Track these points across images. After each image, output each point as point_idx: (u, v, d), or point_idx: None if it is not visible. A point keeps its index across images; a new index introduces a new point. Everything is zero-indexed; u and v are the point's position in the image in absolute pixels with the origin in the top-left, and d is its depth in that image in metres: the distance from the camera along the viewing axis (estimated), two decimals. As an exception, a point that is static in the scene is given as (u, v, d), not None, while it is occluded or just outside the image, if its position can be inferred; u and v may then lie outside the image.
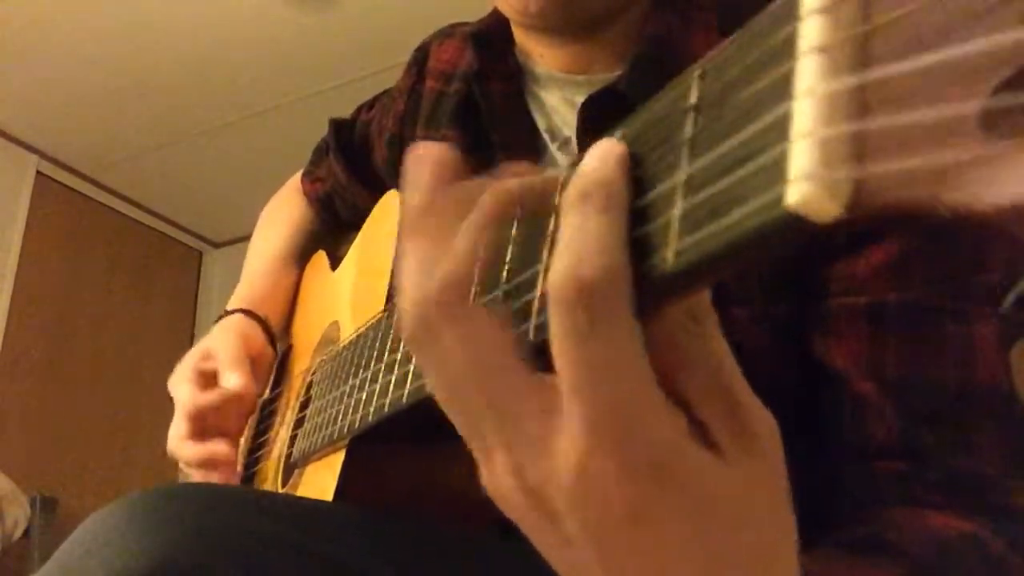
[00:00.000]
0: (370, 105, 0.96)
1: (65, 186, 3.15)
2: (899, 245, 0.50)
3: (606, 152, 0.26)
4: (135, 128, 2.90)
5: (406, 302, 0.29)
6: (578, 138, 0.64)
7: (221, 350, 0.81)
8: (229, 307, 0.91)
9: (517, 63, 0.72)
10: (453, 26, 0.84)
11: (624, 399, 0.23)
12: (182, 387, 0.79)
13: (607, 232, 0.24)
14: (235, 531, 0.44)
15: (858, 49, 0.17)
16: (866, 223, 0.17)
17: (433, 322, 0.27)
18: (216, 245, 3.67)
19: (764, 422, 0.26)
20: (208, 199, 3.36)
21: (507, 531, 0.53)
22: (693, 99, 0.24)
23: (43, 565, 0.44)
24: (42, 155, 3.05)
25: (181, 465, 0.79)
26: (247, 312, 0.89)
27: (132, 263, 3.37)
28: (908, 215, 0.16)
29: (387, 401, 0.48)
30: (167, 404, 0.80)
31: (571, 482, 0.24)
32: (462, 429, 0.28)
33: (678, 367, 0.26)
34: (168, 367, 0.82)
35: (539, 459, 0.25)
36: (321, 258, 0.95)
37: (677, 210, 0.23)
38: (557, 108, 0.69)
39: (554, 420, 0.25)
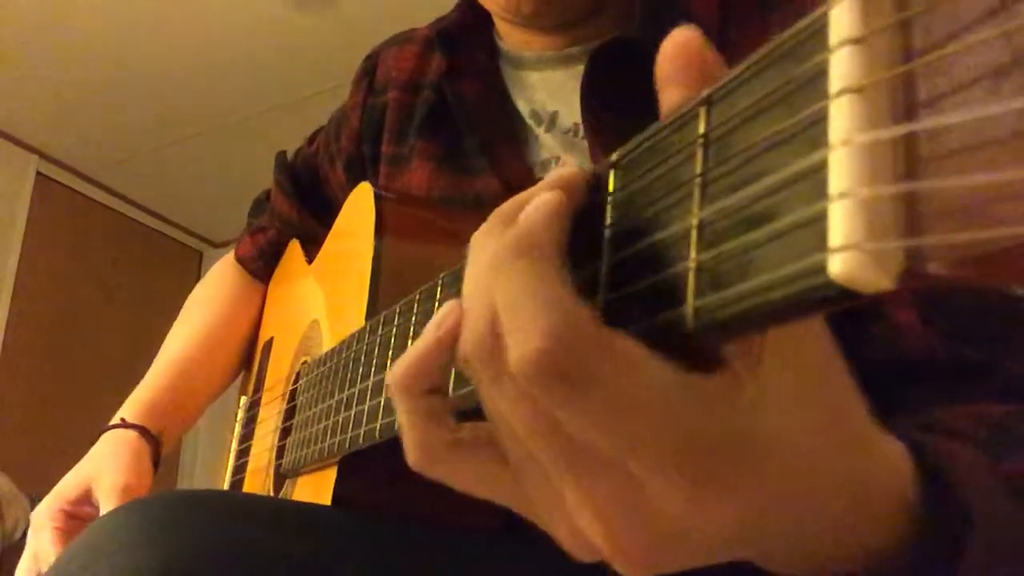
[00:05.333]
0: (311, 140, 0.91)
1: (65, 186, 3.14)
2: None
3: (540, 202, 0.25)
4: (135, 128, 2.89)
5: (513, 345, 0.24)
6: (583, 98, 0.59)
7: (103, 501, 0.72)
8: (124, 414, 0.85)
9: (490, 56, 0.69)
10: (407, 32, 0.80)
11: (647, 396, 0.22)
12: (43, 535, 0.70)
13: (539, 286, 0.23)
14: (234, 539, 0.44)
15: (902, 90, 0.15)
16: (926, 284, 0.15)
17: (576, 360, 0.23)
18: (216, 245, 3.66)
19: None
20: (208, 199, 3.35)
21: (504, 531, 0.52)
22: (701, 128, 0.22)
23: (43, 568, 0.44)
24: (42, 155, 3.04)
25: None
26: (141, 429, 0.83)
27: (132, 263, 3.35)
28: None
29: (376, 426, 0.47)
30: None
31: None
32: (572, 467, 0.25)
33: None
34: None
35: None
36: (295, 248, 0.91)
37: (692, 262, 0.21)
38: (542, 85, 0.66)
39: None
